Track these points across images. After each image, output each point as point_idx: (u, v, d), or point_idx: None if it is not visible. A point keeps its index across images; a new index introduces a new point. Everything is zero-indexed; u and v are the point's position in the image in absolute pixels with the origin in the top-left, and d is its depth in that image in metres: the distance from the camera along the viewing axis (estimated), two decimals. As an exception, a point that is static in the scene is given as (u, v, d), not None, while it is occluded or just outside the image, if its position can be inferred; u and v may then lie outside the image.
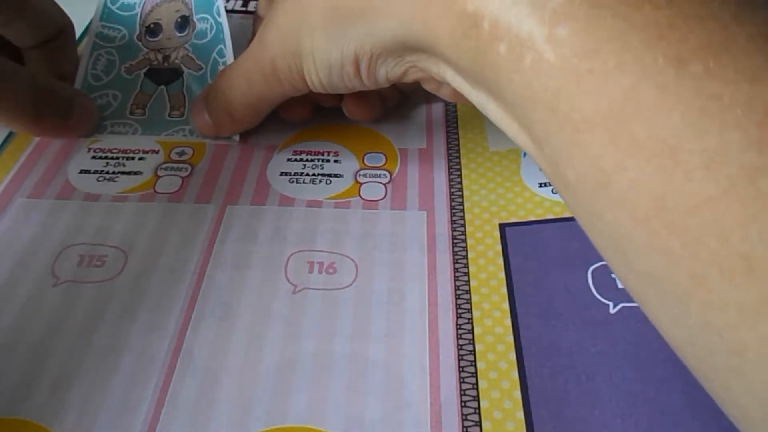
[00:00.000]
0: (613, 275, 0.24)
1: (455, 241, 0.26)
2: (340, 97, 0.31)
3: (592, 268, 0.25)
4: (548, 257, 0.25)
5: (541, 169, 0.20)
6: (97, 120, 0.31)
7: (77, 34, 0.37)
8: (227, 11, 0.35)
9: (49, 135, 0.31)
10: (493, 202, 0.28)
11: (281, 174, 0.29)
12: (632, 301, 0.23)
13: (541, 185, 0.28)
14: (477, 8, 0.18)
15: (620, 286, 0.24)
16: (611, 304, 0.24)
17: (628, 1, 0.16)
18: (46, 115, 0.29)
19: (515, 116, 0.19)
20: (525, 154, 0.30)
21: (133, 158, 0.30)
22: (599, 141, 0.16)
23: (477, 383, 0.22)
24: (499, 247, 0.26)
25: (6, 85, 0.28)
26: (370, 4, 0.22)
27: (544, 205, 0.27)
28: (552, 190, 0.28)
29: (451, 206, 0.28)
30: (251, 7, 0.41)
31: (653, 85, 0.15)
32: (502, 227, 0.27)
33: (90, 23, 0.34)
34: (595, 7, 0.16)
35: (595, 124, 0.16)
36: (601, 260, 0.25)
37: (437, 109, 0.33)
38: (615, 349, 0.22)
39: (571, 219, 0.26)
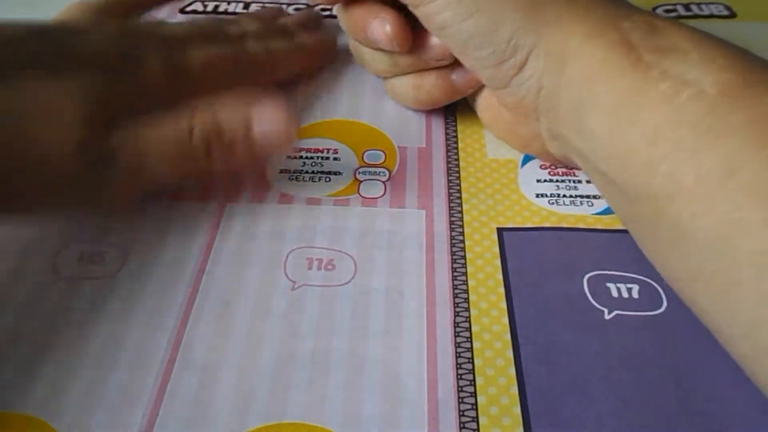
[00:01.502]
0: (608, 284, 0.25)
1: (453, 240, 0.27)
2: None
3: (587, 276, 0.25)
4: (545, 262, 0.25)
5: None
6: None
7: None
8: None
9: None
10: (491, 207, 0.28)
11: (281, 172, 0.30)
12: (626, 310, 0.24)
13: (537, 195, 0.28)
14: (651, 61, 0.22)
15: (614, 294, 0.24)
16: (606, 311, 0.24)
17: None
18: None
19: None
20: (522, 165, 0.30)
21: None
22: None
23: (474, 380, 0.22)
24: (497, 250, 0.26)
25: None
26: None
27: (542, 214, 0.27)
28: (548, 201, 0.28)
29: (449, 206, 0.28)
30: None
31: None
32: (500, 231, 0.27)
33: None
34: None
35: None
36: (597, 269, 0.25)
37: (437, 108, 0.33)
38: (610, 353, 0.22)
39: (568, 229, 0.27)
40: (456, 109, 0.33)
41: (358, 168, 0.30)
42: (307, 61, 0.34)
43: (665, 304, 0.24)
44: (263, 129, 0.25)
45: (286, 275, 0.25)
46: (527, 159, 0.30)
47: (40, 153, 0.23)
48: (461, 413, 0.21)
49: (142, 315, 0.24)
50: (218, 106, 0.25)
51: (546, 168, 0.30)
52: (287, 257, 0.26)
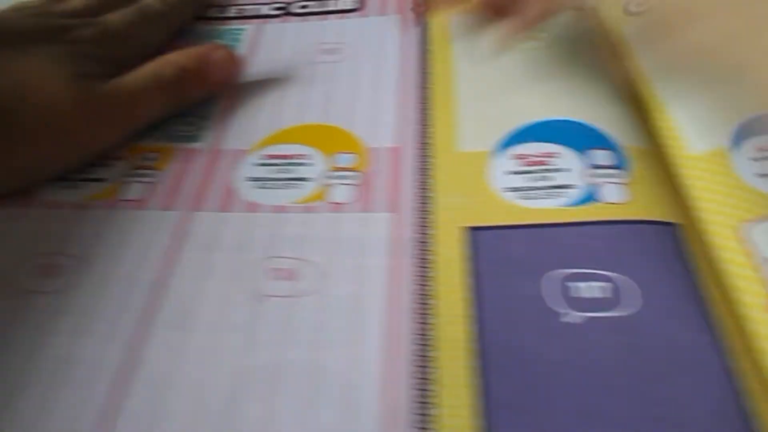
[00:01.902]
0: (578, 283, 0.24)
1: (420, 244, 0.26)
2: None
3: (557, 276, 0.24)
4: (514, 263, 0.25)
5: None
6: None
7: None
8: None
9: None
10: (461, 204, 0.27)
11: (248, 179, 0.29)
12: (596, 312, 0.23)
13: (508, 190, 0.27)
14: None
15: (585, 295, 0.23)
16: (575, 313, 0.23)
17: None
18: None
19: None
20: (494, 157, 0.29)
21: (96, 164, 0.30)
22: None
23: (433, 390, 0.21)
24: (465, 251, 0.25)
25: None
26: None
27: (512, 211, 0.27)
28: (519, 196, 0.27)
29: (418, 207, 0.27)
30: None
31: None
32: (469, 230, 0.26)
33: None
34: None
35: None
36: (567, 267, 0.24)
37: (408, 105, 0.32)
38: (577, 358, 0.22)
39: (539, 226, 0.26)
40: (431, 104, 0.32)
41: (327, 173, 0.29)
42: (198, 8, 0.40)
43: (633, 301, 0.23)
44: (215, 63, 0.33)
45: (249, 287, 0.25)
46: (499, 150, 0.29)
47: (42, 112, 0.27)
48: (417, 425, 0.20)
49: (98, 329, 0.23)
50: (179, 53, 0.32)
51: (519, 158, 0.29)
52: (251, 267, 0.25)
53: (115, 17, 0.34)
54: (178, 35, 0.38)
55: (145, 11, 0.35)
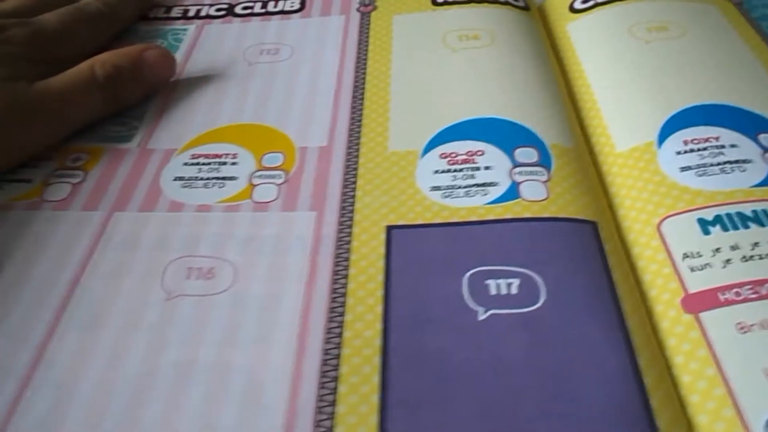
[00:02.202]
0: (488, 281, 0.24)
1: (340, 242, 0.26)
2: None
3: (468, 274, 0.24)
4: (429, 261, 0.25)
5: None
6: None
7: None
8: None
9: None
10: (384, 204, 0.27)
11: (175, 179, 0.29)
12: (503, 308, 0.23)
13: (433, 189, 0.27)
14: None
15: (493, 292, 0.23)
16: (482, 311, 0.23)
17: None
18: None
19: None
20: (423, 155, 0.29)
21: (24, 165, 0.29)
22: None
23: (337, 388, 0.21)
24: (383, 250, 0.25)
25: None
26: None
27: (433, 209, 0.26)
28: (443, 195, 0.27)
29: (341, 207, 0.27)
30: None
31: None
32: (389, 230, 0.26)
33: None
34: None
35: None
36: (480, 265, 0.24)
37: (343, 105, 0.32)
38: (479, 356, 0.21)
39: (457, 224, 0.26)
40: (365, 104, 0.32)
41: (254, 172, 0.29)
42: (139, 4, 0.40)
43: (543, 298, 0.23)
44: (150, 63, 0.33)
45: (162, 286, 0.25)
46: (428, 149, 0.29)
47: None
48: (317, 423, 0.20)
49: (8, 330, 0.23)
50: (112, 53, 0.32)
51: (446, 157, 0.29)
52: (167, 267, 0.25)
53: (51, 17, 0.33)
54: (121, 35, 0.38)
55: (83, 11, 0.35)
